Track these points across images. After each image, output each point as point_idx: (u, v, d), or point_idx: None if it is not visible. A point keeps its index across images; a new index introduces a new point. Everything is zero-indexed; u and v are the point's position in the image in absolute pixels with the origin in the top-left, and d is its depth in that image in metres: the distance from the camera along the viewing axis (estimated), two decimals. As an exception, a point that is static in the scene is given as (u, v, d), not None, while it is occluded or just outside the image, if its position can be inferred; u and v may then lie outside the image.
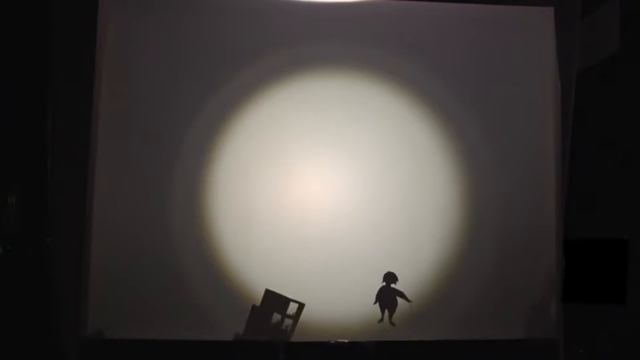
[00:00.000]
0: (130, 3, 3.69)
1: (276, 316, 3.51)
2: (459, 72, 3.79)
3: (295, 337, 3.51)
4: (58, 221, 3.37)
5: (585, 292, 3.35)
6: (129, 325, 3.48)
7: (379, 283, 3.57)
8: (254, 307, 3.52)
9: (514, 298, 3.65)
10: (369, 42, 3.75)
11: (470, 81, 3.79)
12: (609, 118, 3.49)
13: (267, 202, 3.62)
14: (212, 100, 3.66)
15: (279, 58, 3.71)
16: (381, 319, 3.57)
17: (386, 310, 3.58)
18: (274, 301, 3.51)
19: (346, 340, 3.55)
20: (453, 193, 3.72)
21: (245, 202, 3.62)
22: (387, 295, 3.58)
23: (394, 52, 3.76)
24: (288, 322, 3.50)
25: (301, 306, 3.51)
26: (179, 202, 3.60)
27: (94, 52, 3.55)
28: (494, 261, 3.67)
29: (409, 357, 3.53)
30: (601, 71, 3.53)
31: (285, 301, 3.51)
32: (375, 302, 3.57)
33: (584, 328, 3.45)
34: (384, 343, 3.55)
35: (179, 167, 3.62)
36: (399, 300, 3.58)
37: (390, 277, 3.57)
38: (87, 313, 3.47)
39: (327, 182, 3.67)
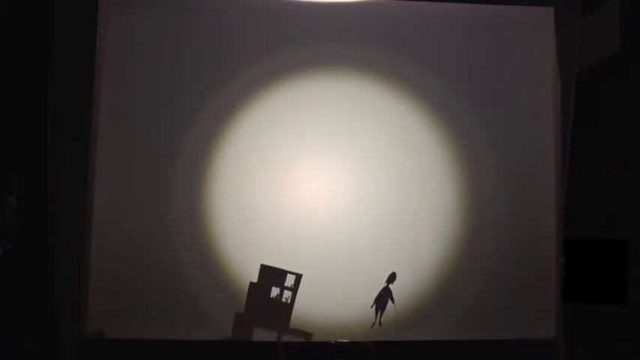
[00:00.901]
0: (130, 3, 3.69)
1: (275, 290, 3.50)
2: (459, 72, 3.79)
3: (295, 338, 3.51)
4: (58, 221, 3.37)
5: (585, 292, 3.35)
6: (129, 325, 3.48)
7: (380, 283, 3.57)
8: (251, 283, 3.51)
9: (514, 298, 3.65)
10: (369, 42, 3.75)
11: (470, 81, 3.79)
12: (609, 118, 3.49)
13: (267, 202, 3.62)
14: (212, 100, 3.66)
15: (279, 58, 3.71)
16: (373, 325, 3.55)
17: (378, 312, 3.57)
18: (271, 274, 3.49)
19: (346, 340, 3.55)
20: (453, 193, 3.72)
21: (245, 203, 3.62)
22: (380, 296, 3.57)
23: (394, 52, 3.76)
24: (287, 294, 3.49)
25: (299, 277, 3.48)
26: (179, 202, 3.59)
27: (94, 52, 3.55)
28: (494, 261, 3.67)
29: (409, 357, 3.53)
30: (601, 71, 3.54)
31: (282, 273, 3.49)
32: (372, 306, 3.56)
33: (584, 328, 3.45)
34: (384, 343, 3.55)
35: (179, 167, 3.62)
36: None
37: (390, 278, 3.56)
38: (87, 313, 3.47)
39: (326, 182, 3.67)
